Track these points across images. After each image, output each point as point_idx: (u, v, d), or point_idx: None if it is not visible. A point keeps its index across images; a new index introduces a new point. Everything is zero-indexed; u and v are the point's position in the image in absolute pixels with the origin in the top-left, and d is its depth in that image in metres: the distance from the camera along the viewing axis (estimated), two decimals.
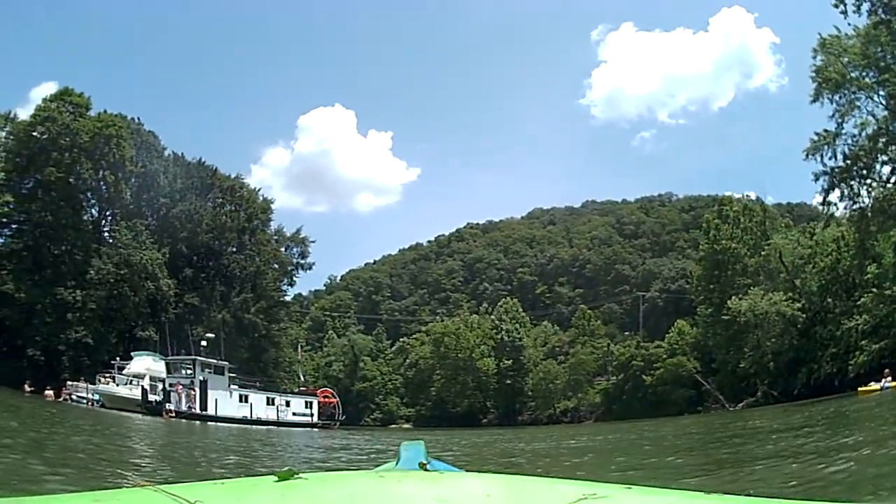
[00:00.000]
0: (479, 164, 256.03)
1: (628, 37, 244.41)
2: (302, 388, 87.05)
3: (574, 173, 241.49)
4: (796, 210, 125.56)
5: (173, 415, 55.70)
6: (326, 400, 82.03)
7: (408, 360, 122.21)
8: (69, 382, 62.70)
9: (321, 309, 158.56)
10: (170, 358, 64.91)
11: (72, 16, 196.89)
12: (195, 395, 59.97)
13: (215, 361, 65.00)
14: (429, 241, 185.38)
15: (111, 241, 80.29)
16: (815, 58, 56.02)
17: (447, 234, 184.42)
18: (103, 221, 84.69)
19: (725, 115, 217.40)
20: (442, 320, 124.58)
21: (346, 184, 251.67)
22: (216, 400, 61.43)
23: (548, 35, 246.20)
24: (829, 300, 69.28)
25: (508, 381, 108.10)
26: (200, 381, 60.99)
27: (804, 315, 70.13)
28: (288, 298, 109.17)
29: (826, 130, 55.96)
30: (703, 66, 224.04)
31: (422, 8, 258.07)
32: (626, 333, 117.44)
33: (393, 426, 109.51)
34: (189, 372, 61.67)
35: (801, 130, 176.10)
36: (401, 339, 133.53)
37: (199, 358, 62.97)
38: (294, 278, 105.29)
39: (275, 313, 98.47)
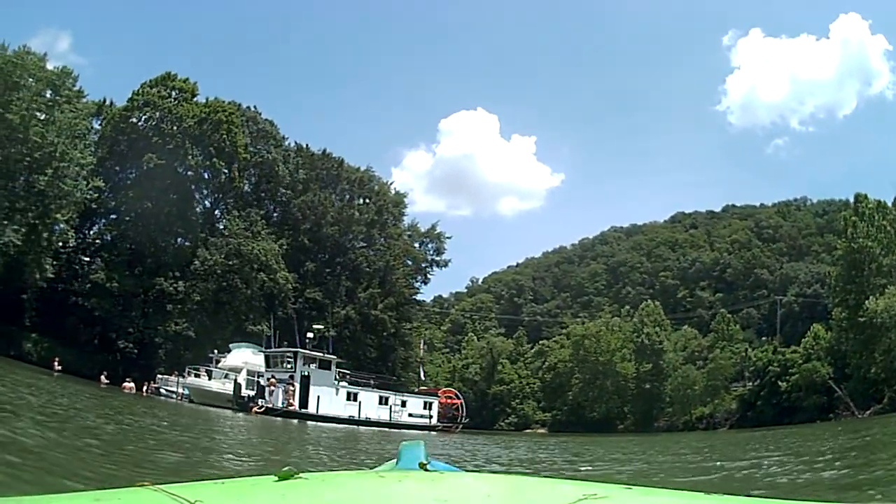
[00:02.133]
0: (622, 170, 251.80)
1: (757, 42, 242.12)
2: (423, 388, 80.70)
3: (714, 178, 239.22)
4: None
5: (262, 411, 50.55)
6: (449, 401, 76.73)
7: (546, 363, 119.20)
8: (159, 376, 59.44)
9: (461, 311, 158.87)
10: (270, 350, 59.59)
11: (218, 17, 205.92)
12: (294, 391, 54.80)
13: (321, 355, 59.00)
14: (572, 245, 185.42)
15: (225, 231, 76.69)
16: None
17: (591, 237, 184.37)
18: (217, 211, 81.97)
19: (850, 122, 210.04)
20: (583, 323, 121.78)
21: (490, 188, 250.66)
22: (318, 397, 56.25)
23: (681, 40, 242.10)
24: None
25: (647, 386, 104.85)
26: (302, 376, 55.84)
27: None
28: (421, 297, 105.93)
29: None
30: (827, 73, 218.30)
31: (562, 14, 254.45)
32: (763, 339, 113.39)
33: (527, 431, 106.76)
34: (290, 366, 56.52)
35: None
36: (539, 342, 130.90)
37: (301, 350, 57.39)
38: (428, 276, 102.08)
39: (405, 311, 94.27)
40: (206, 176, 79.27)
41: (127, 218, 72.26)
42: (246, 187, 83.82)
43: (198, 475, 10.83)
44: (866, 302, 70.68)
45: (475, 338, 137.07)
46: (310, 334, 61.28)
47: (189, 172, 75.84)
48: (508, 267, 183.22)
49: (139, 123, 72.81)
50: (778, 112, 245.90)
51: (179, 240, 75.92)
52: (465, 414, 78.11)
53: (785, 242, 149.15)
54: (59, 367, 56.30)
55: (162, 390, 57.67)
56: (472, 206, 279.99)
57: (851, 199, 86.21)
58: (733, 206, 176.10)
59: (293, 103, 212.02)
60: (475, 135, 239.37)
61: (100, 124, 73.38)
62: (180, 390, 56.49)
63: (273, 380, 54.90)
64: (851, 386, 74.49)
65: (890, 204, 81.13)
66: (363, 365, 77.69)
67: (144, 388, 58.23)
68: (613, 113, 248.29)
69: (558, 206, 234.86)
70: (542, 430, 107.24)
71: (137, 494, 2.45)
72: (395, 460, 4.16)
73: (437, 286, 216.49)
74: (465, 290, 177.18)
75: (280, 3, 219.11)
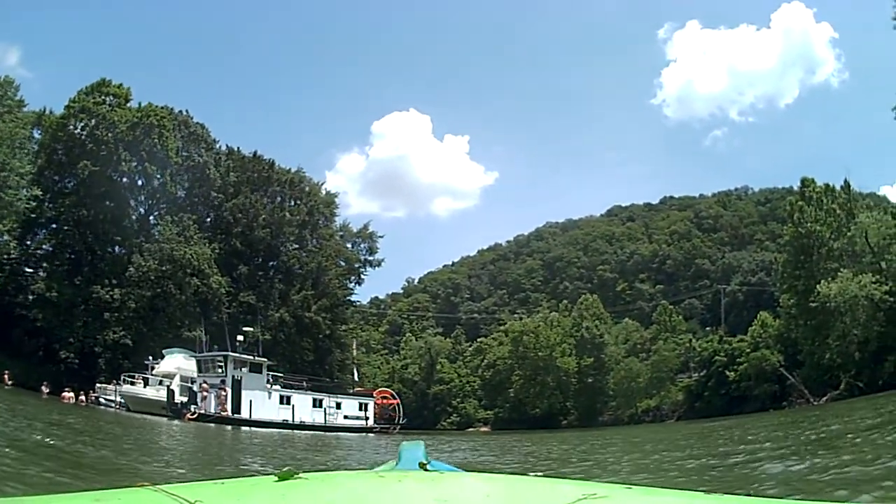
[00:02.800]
0: (557, 165, 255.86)
1: (694, 35, 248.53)
2: (359, 390, 78.52)
3: (651, 171, 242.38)
4: (866, 201, 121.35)
5: (195, 417, 49.49)
6: (385, 401, 75.79)
7: (485, 361, 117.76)
8: (97, 385, 58.11)
9: (398, 312, 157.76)
10: (201, 355, 58.04)
11: (145, 25, 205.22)
12: (226, 396, 53.59)
13: (251, 358, 57.76)
14: (508, 242, 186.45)
15: (158, 237, 75.93)
16: None
17: (526, 233, 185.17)
18: (151, 217, 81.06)
19: (792, 111, 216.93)
20: (521, 319, 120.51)
21: (424, 188, 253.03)
22: (251, 401, 55.12)
23: (616, 35, 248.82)
24: None
25: (589, 380, 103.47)
26: (234, 380, 54.70)
27: (892, 298, 65.24)
28: (356, 298, 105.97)
29: None
30: (768, 62, 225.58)
31: (495, 12, 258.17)
32: (708, 329, 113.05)
33: (470, 429, 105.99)
34: (221, 370, 55.16)
35: (866, 124, 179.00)
36: (478, 340, 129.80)
37: (231, 354, 56.09)
38: (362, 276, 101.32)
39: (340, 313, 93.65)
40: (140, 182, 78.60)
41: (66, 227, 71.36)
42: (179, 192, 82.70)
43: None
44: (818, 286, 68.46)
45: (413, 338, 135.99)
46: (240, 337, 60.00)
47: (124, 179, 75.50)
48: (444, 266, 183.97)
49: (75, 131, 72.05)
50: (716, 103, 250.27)
51: (117, 248, 75.44)
52: (402, 414, 76.73)
53: (726, 232, 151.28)
54: (10, 381, 55.66)
55: (101, 399, 56.19)
56: (407, 207, 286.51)
57: (796, 186, 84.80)
58: (671, 197, 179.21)
59: (226, 109, 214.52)
60: (408, 136, 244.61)
61: (39, 133, 72.93)
62: (118, 399, 54.98)
63: (205, 385, 53.66)
64: (805, 373, 72.60)
65: (839, 188, 79.11)
66: (300, 368, 77.00)
67: (83, 397, 56.87)
68: (547, 110, 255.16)
69: (493, 204, 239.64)
70: (484, 429, 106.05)
71: (137, 494, 2.47)
72: (395, 460, 4.44)
73: (374, 288, 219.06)
74: (402, 291, 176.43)
75: (215, 10, 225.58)
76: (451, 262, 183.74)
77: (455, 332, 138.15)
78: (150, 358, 61.61)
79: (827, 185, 79.18)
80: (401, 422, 74.35)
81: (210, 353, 57.82)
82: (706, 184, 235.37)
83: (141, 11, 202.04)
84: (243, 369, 56.45)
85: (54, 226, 72.67)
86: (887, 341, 63.33)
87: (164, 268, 70.72)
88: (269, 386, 59.33)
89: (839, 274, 68.29)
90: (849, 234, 72.16)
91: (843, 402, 56.23)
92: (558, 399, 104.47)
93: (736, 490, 9.78)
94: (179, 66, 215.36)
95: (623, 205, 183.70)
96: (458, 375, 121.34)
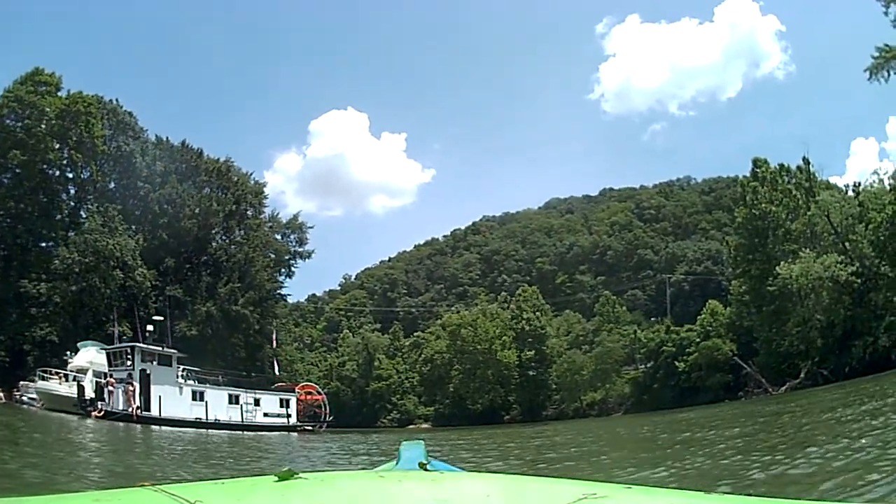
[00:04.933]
0: (494, 161, 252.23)
1: (634, 29, 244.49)
2: (281, 385, 72.82)
3: (590, 165, 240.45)
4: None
5: (101, 415, 46.14)
6: (309, 397, 71.86)
7: (423, 356, 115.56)
8: (22, 382, 55.39)
9: (336, 308, 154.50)
10: (109, 347, 54.92)
11: (81, 15, 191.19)
12: (134, 391, 49.72)
13: (159, 350, 54.21)
14: (444, 236, 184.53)
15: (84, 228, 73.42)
16: None
17: (463, 227, 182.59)
18: (82, 211, 78.02)
19: (735, 104, 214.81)
20: (458, 312, 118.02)
21: (361, 187, 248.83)
22: (160, 397, 51.33)
23: (553, 30, 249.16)
24: (886, 263, 61.74)
25: (531, 374, 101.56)
26: (141, 373, 51.03)
27: (859, 280, 62.54)
28: (287, 291, 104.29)
29: (888, 46, 49.84)
30: (711, 56, 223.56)
31: (429, 8, 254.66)
32: (653, 319, 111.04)
33: (410, 427, 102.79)
34: (130, 363, 51.49)
35: (813, 116, 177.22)
36: (414, 334, 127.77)
37: (138, 345, 52.83)
38: (292, 268, 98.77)
39: (269, 307, 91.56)
40: (71, 174, 77.17)
41: (1, 220, 70.58)
42: (110, 184, 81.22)
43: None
44: (777, 268, 65.94)
45: (350, 334, 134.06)
46: (150, 327, 56.99)
47: (53, 171, 74.41)
48: (381, 262, 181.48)
49: (8, 122, 70.07)
50: (655, 98, 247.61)
51: (43, 240, 73.69)
52: (328, 411, 73.55)
53: (669, 222, 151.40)
54: None
55: (24, 398, 54.14)
56: (344, 206, 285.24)
57: (742, 175, 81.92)
58: (611, 189, 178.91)
59: (164, 109, 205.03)
60: (345, 134, 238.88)
61: None
62: (35, 396, 52.54)
63: (111, 380, 50.31)
64: (761, 361, 69.40)
65: (794, 168, 76.20)
66: (232, 365, 74.83)
67: (0, 395, 55.92)
68: (485, 106, 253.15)
69: (429, 201, 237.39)
70: (425, 426, 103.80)
71: (137, 494, 2.51)
72: (395, 460, 4.48)
73: (311, 285, 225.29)
74: (339, 288, 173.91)
75: (156, 8, 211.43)
76: (387, 258, 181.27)
77: (393, 328, 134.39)
78: (68, 353, 57.94)
79: (782, 166, 76.44)
80: (327, 419, 70.88)
81: (118, 346, 54.91)
82: (647, 176, 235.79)
83: (84, 8, 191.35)
84: (152, 362, 52.59)
85: None
86: (855, 325, 60.59)
87: (87, 260, 68.31)
88: (182, 380, 55.85)
89: (800, 255, 65.23)
90: (809, 213, 69.19)
91: (805, 392, 53.28)
92: (500, 394, 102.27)
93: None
94: (118, 64, 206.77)
95: (561, 197, 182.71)
96: (396, 372, 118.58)
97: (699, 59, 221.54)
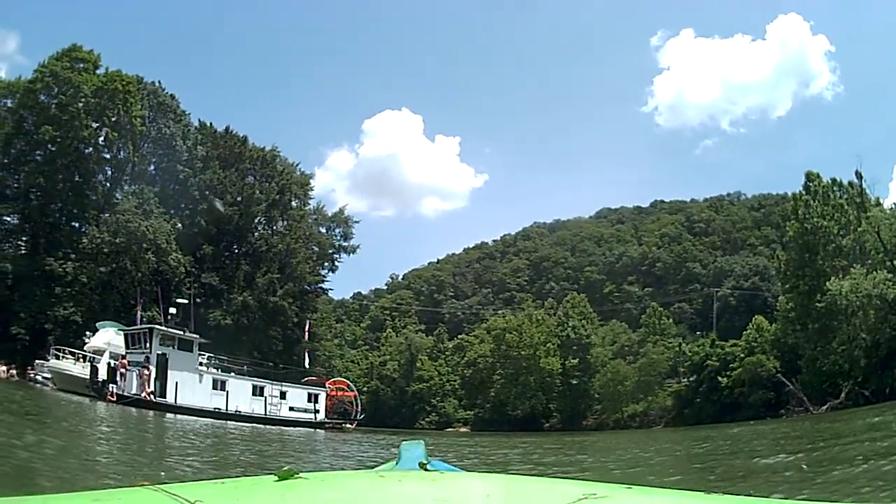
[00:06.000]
0: (546, 168, 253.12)
1: (688, 43, 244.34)
2: (311, 379, 68.61)
3: (641, 176, 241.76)
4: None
5: (114, 399, 43.70)
6: (340, 393, 68.48)
7: (466, 358, 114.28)
8: (37, 361, 53.89)
9: (381, 308, 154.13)
10: (127, 329, 52.34)
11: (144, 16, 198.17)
12: (149, 376, 47.20)
13: (180, 333, 50.89)
14: (494, 241, 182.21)
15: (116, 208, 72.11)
16: None
17: (513, 233, 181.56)
18: (117, 192, 76.63)
19: (784, 123, 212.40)
20: (504, 317, 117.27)
21: (413, 188, 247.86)
22: (177, 383, 48.68)
23: (608, 40, 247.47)
24: None
25: (574, 382, 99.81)
26: (158, 356, 48.31)
27: None
28: (333, 289, 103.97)
29: None
30: (762, 73, 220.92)
31: (488, 14, 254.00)
32: (698, 333, 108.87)
33: (449, 429, 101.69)
34: (147, 346, 48.72)
35: (860, 137, 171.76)
36: (458, 337, 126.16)
37: (156, 327, 50.27)
38: (336, 262, 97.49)
39: (309, 300, 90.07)
40: (106, 152, 75.40)
41: (31, 199, 68.76)
42: (150, 166, 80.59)
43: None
44: (827, 284, 64.09)
45: (393, 334, 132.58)
46: (172, 310, 54.76)
47: (89, 150, 71.98)
48: (429, 263, 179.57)
49: (42, 97, 68.90)
50: (707, 113, 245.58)
51: (73, 218, 72.27)
52: (360, 409, 70.27)
53: (718, 236, 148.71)
54: None
55: (39, 377, 52.42)
56: (395, 206, 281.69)
57: (790, 192, 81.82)
58: (662, 201, 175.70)
59: (217, 102, 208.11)
60: (399, 135, 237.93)
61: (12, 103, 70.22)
62: (48, 375, 50.86)
63: (124, 361, 47.37)
64: (804, 379, 68.19)
65: (846, 182, 75.12)
66: (269, 359, 72.51)
67: (13, 371, 56.22)
68: (539, 113, 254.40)
69: (481, 206, 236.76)
70: (464, 429, 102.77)
71: (137, 494, 2.50)
72: (395, 460, 4.45)
73: (357, 283, 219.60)
74: (385, 287, 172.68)
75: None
76: (436, 260, 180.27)
77: (437, 330, 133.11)
78: (87, 333, 57.00)
79: (834, 180, 75.61)
80: (358, 417, 67.92)
81: (136, 327, 52.56)
82: (697, 190, 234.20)
83: (140, 4, 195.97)
84: (172, 346, 49.87)
85: (13, 193, 69.78)
86: None
87: (118, 241, 66.97)
88: (205, 367, 53.87)
89: (851, 270, 64.01)
90: (860, 229, 67.58)
91: (845, 412, 51.79)
92: (541, 400, 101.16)
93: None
94: (177, 59, 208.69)
95: (612, 207, 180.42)
96: (438, 374, 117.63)
97: (751, 76, 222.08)
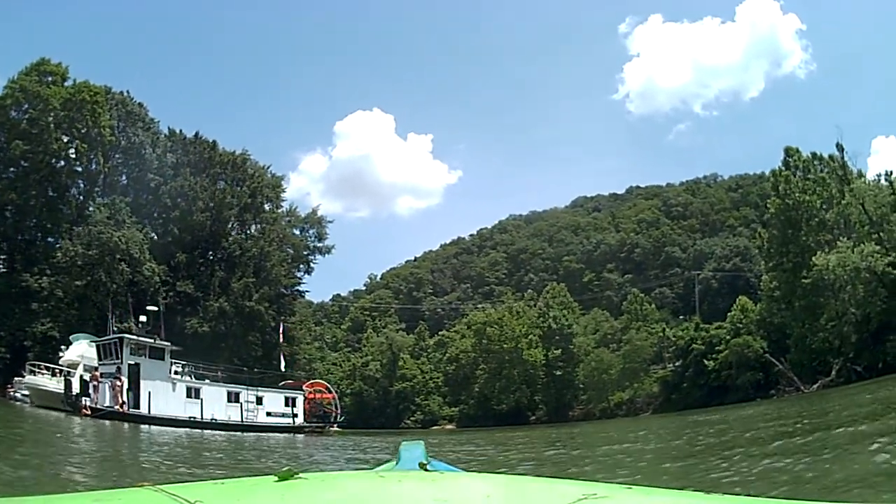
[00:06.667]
0: (520, 161, 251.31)
1: (657, 29, 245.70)
2: (288, 382, 67.75)
3: (615, 164, 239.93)
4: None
5: (89, 413, 42.79)
6: (318, 395, 67.24)
7: (447, 355, 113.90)
8: (16, 378, 52.80)
9: (361, 309, 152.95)
10: (98, 339, 51.50)
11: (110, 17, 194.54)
12: (122, 387, 46.13)
13: (151, 341, 49.92)
14: (471, 235, 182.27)
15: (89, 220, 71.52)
16: None
17: (490, 226, 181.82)
18: (90, 205, 75.60)
19: (758, 104, 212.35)
20: (484, 310, 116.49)
21: (387, 188, 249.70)
22: (149, 393, 47.57)
23: (577, 30, 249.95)
24: None
25: (558, 373, 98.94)
26: (129, 367, 47.28)
27: (895, 271, 59.78)
28: (311, 292, 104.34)
29: None
30: (733, 55, 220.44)
31: (455, 10, 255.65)
32: (681, 317, 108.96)
33: (435, 427, 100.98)
34: (118, 357, 47.70)
35: (835, 114, 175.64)
36: (439, 333, 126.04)
37: (126, 336, 49.16)
38: (311, 264, 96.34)
39: (286, 303, 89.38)
40: (77, 165, 75.14)
41: (7, 215, 68.89)
42: (121, 177, 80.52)
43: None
44: (813, 259, 64.11)
45: (374, 334, 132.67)
46: (142, 318, 54.15)
47: (60, 163, 72.09)
48: (406, 262, 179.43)
49: (13, 113, 68.87)
50: (679, 97, 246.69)
51: (50, 237, 72.02)
52: (339, 411, 69.66)
53: (696, 219, 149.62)
54: None
55: (17, 394, 51.64)
56: (370, 207, 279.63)
57: (768, 171, 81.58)
58: (637, 187, 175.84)
59: (187, 110, 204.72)
60: (371, 135, 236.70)
61: None
62: (26, 392, 50.21)
63: (96, 373, 46.38)
64: (793, 358, 67.48)
65: (827, 156, 74.71)
66: (248, 364, 71.46)
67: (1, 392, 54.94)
68: (510, 106, 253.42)
69: (456, 202, 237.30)
70: (450, 426, 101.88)
71: (137, 494, 2.51)
72: (395, 460, 4.48)
73: (336, 285, 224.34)
74: (364, 288, 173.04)
75: (178, 5, 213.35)
76: (413, 258, 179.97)
77: (418, 328, 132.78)
78: (63, 348, 56.11)
79: (814, 154, 75.39)
80: (338, 420, 67.28)
81: (106, 337, 51.29)
82: (673, 175, 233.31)
83: (106, 12, 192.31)
84: (143, 355, 48.82)
85: None
86: (891, 319, 58.04)
87: (91, 253, 66.34)
88: (180, 375, 52.89)
89: (837, 244, 64.05)
90: (843, 202, 67.02)
91: (837, 389, 51.77)
92: (525, 393, 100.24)
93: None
94: (146, 67, 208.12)
95: (588, 195, 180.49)
96: (421, 372, 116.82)
97: (722, 59, 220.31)
